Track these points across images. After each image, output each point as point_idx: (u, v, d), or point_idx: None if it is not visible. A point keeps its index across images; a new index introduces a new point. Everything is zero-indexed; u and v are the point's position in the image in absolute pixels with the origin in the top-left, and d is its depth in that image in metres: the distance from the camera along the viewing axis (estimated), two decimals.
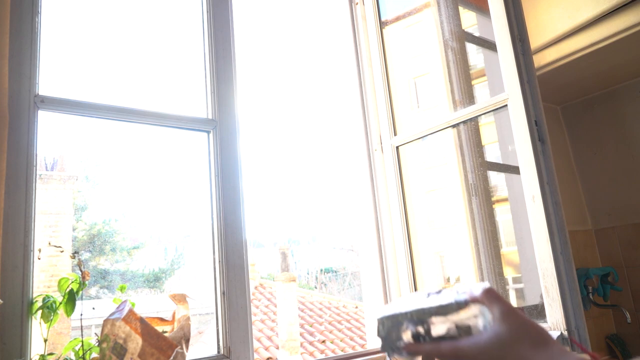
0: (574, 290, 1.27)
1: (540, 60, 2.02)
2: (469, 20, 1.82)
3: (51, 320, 1.03)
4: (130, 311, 1.00)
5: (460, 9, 1.80)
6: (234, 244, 1.39)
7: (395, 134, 1.78)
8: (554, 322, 1.28)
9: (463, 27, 1.80)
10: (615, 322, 2.23)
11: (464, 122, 1.63)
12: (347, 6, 1.96)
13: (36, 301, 1.05)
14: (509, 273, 1.81)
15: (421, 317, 0.57)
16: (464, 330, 0.55)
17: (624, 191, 2.24)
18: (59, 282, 1.06)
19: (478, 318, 0.54)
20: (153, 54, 1.51)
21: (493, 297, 0.54)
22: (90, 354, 1.03)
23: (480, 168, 1.76)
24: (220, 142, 1.45)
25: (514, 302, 1.74)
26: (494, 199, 1.80)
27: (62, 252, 1.04)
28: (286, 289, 7.58)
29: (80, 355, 1.02)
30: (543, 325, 1.32)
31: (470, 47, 1.86)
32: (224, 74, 1.50)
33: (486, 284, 0.56)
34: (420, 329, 0.57)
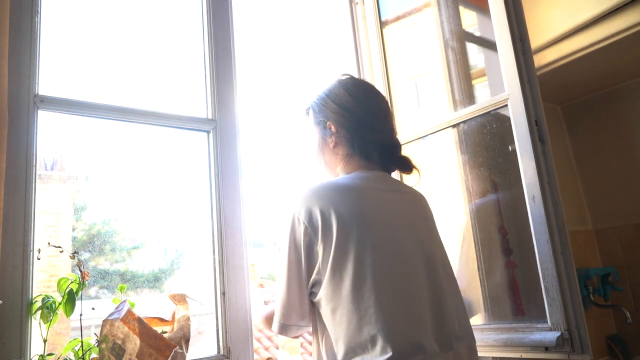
0: (574, 290, 1.26)
1: (541, 60, 2.02)
2: (470, 20, 1.81)
3: (51, 320, 1.03)
4: (129, 311, 1.00)
5: (461, 8, 1.80)
6: (234, 244, 1.38)
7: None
8: (554, 322, 1.28)
9: (463, 27, 1.80)
10: (615, 322, 2.23)
11: (465, 121, 1.63)
12: (347, 6, 1.96)
13: (36, 301, 1.05)
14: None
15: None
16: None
17: (624, 191, 2.24)
18: (59, 282, 1.06)
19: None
20: (153, 53, 1.51)
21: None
22: (89, 354, 1.02)
23: (480, 168, 1.75)
24: (220, 142, 1.45)
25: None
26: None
27: (61, 252, 1.04)
28: None
29: (80, 356, 1.02)
30: (543, 325, 1.31)
31: (471, 47, 1.86)
32: (224, 74, 1.50)
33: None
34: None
